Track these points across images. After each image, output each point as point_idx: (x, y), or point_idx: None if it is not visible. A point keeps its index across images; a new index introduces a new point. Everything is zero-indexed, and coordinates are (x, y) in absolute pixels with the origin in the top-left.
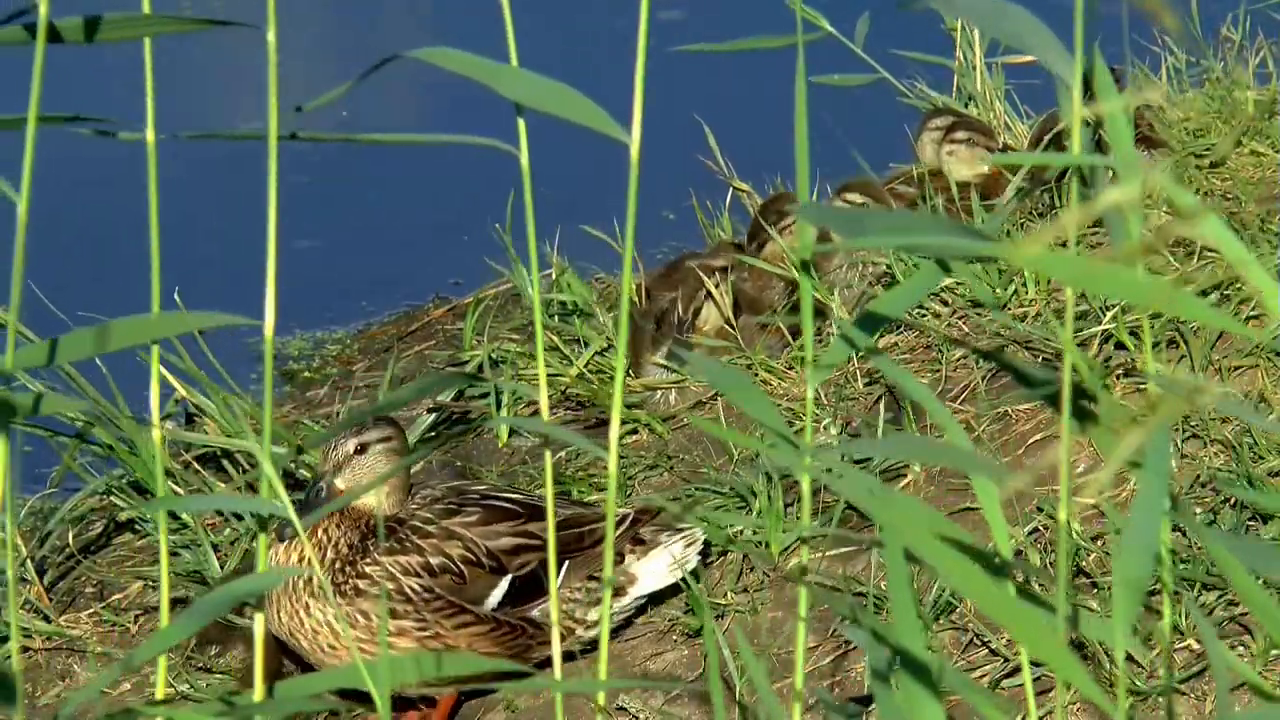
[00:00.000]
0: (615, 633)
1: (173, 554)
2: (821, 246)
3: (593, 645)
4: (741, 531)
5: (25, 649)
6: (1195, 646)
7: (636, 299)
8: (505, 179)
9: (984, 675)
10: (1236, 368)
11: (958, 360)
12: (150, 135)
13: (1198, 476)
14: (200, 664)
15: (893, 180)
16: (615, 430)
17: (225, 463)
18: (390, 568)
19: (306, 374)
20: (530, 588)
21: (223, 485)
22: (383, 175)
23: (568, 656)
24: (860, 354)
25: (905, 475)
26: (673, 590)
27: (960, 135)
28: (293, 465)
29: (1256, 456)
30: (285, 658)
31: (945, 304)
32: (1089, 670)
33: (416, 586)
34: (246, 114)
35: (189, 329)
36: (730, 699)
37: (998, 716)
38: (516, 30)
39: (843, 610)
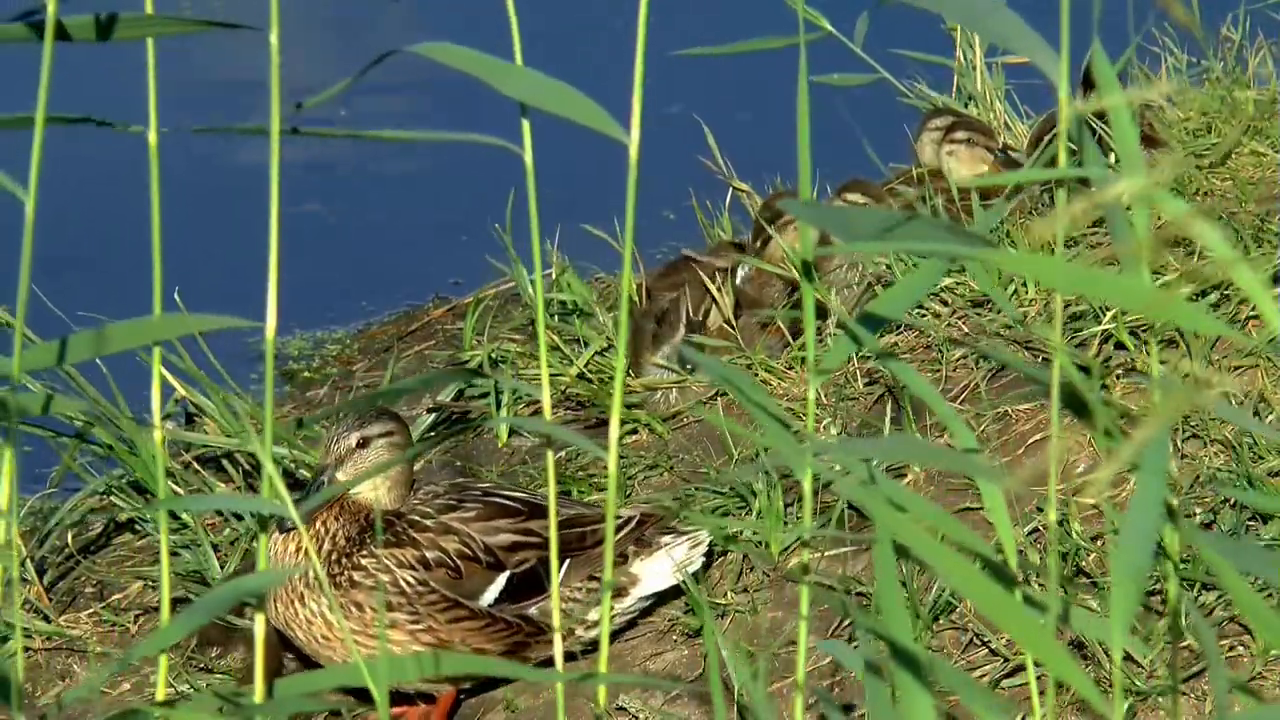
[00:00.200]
0: (616, 634)
1: (173, 554)
2: (822, 249)
3: (593, 646)
4: (741, 531)
5: (25, 649)
6: (1196, 646)
7: (637, 299)
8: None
9: (984, 675)
10: (1236, 367)
11: (957, 360)
12: (152, 136)
13: (1198, 476)
14: (201, 664)
15: (893, 180)
16: (615, 430)
17: (225, 463)
18: (386, 560)
19: (306, 374)
20: (529, 586)
21: (223, 485)
22: (383, 175)
23: (568, 657)
24: (861, 354)
25: (905, 475)
26: (673, 590)
27: (960, 135)
28: (293, 465)
29: (1256, 456)
30: (286, 652)
31: (945, 304)
32: (1088, 670)
33: (411, 580)
34: (246, 113)
35: (190, 331)
36: (730, 699)
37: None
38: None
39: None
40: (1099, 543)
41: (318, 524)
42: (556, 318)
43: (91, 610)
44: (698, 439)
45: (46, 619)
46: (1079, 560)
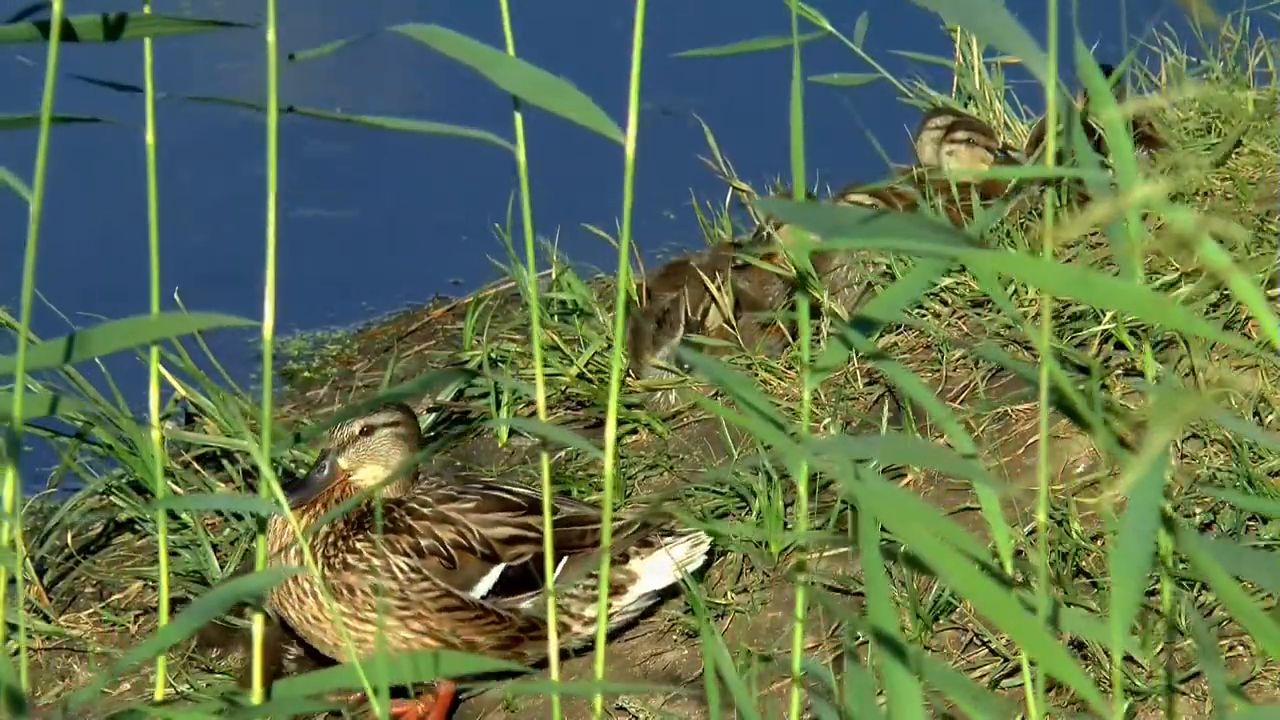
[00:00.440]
0: (615, 633)
1: (172, 554)
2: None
3: (591, 643)
4: (739, 532)
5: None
6: (1195, 646)
7: (637, 299)
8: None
9: (984, 675)
10: (1236, 367)
11: (958, 360)
12: (150, 136)
13: (1198, 476)
14: (202, 665)
15: (895, 180)
16: (611, 431)
17: (225, 462)
18: (380, 546)
19: (306, 374)
20: (523, 580)
21: (222, 485)
22: (383, 175)
23: (567, 654)
24: (858, 355)
25: (905, 475)
26: (673, 590)
27: (960, 135)
28: (292, 465)
29: (1256, 457)
30: (287, 649)
31: (945, 304)
32: (1088, 670)
33: (404, 566)
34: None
35: (188, 329)
36: (729, 701)
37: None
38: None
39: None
40: (1099, 543)
41: (317, 505)
42: (556, 318)
43: (91, 610)
44: (698, 439)
45: (46, 619)
46: (1079, 560)
